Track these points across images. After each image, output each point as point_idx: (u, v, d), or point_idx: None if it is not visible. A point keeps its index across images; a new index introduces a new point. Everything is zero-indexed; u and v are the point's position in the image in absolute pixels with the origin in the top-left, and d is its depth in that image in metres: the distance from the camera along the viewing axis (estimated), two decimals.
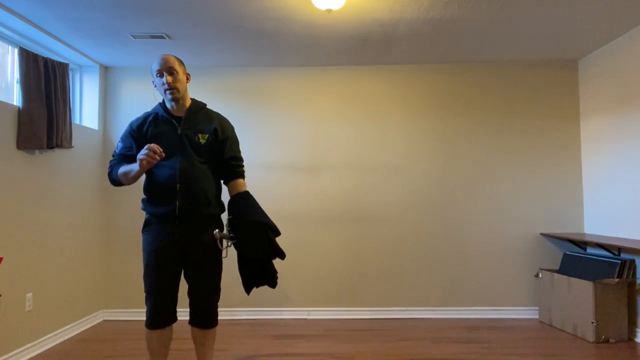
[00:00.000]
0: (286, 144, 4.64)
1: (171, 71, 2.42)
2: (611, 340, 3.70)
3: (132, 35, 3.81)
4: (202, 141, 2.46)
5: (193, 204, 2.41)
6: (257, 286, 2.53)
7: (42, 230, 3.62)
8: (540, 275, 4.34)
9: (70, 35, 3.81)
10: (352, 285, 4.56)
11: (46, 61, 3.58)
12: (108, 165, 2.43)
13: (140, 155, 2.24)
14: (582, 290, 3.79)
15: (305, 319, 4.50)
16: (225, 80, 4.67)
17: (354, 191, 4.61)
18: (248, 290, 2.53)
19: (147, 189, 2.48)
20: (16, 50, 3.66)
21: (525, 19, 3.55)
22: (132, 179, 2.38)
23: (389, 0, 3.20)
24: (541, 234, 4.49)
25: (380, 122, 4.64)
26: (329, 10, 3.06)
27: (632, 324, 3.79)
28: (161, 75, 2.42)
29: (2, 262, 3.09)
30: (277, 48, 4.15)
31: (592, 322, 3.68)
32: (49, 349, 3.62)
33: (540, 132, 4.59)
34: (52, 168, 3.77)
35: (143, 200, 2.50)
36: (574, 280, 3.90)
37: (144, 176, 2.54)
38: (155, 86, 2.47)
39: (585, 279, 3.89)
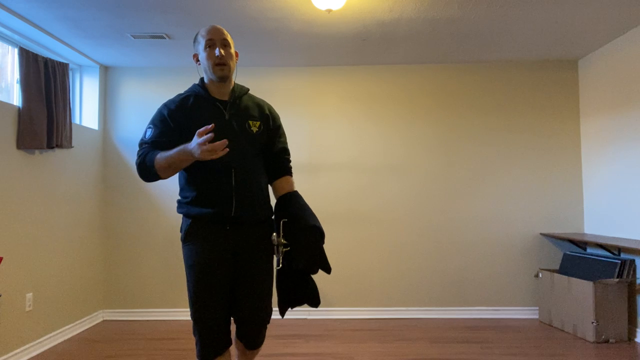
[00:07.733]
0: None
1: (225, 43, 2.03)
2: (611, 340, 3.70)
3: (132, 35, 3.81)
4: (254, 129, 2.08)
5: (250, 203, 2.03)
6: (294, 306, 2.12)
7: (42, 230, 3.62)
8: (540, 275, 4.34)
9: (70, 35, 3.81)
10: (352, 285, 4.56)
11: (46, 61, 3.58)
12: (137, 157, 1.98)
13: (201, 147, 1.77)
14: (582, 290, 3.79)
15: (305, 319, 4.50)
16: None
17: (354, 191, 4.61)
18: (283, 311, 2.13)
19: (189, 186, 2.04)
20: (16, 50, 3.66)
21: (526, 19, 3.55)
22: (175, 169, 1.93)
23: (389, 0, 3.20)
24: (541, 234, 4.49)
25: (380, 122, 4.64)
26: (329, 10, 3.06)
27: (632, 324, 3.79)
28: (212, 47, 2.01)
29: (2, 262, 3.09)
30: (277, 48, 4.15)
31: (592, 322, 3.68)
32: (49, 349, 3.62)
33: (540, 132, 4.59)
34: (52, 168, 3.77)
35: (181, 202, 2.07)
36: (574, 280, 3.90)
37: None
38: (198, 60, 2.08)
39: (585, 279, 3.89)
